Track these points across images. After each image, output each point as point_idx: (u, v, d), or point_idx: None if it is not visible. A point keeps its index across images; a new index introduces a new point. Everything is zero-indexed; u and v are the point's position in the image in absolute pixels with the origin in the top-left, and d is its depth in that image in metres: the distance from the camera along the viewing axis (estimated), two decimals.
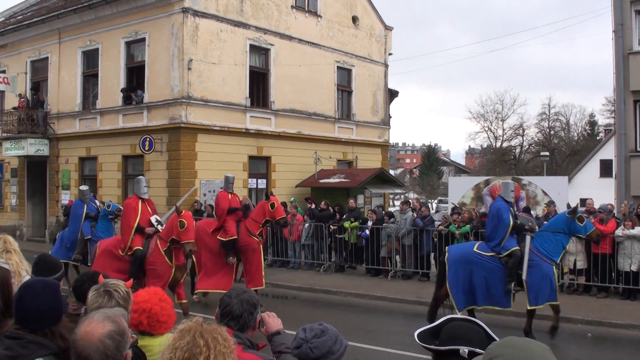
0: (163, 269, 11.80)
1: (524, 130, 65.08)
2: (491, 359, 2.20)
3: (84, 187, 17.91)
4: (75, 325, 2.87)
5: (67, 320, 3.52)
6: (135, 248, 11.88)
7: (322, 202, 20.60)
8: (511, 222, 11.58)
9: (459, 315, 2.97)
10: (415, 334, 2.93)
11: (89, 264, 16.21)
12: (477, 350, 2.67)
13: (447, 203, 28.53)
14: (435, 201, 61.76)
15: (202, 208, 22.48)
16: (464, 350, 2.69)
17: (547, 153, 48.12)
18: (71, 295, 4.53)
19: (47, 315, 3.26)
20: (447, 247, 12.84)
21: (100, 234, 16.53)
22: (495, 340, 2.78)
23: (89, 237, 16.62)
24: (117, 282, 3.80)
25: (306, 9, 27.89)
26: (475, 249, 11.88)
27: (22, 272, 5.45)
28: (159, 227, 12.14)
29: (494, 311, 13.89)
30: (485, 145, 71.24)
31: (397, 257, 18.63)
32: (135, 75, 25.29)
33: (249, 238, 13.98)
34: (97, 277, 4.29)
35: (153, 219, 12.25)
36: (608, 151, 40.48)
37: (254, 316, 3.76)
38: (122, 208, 17.78)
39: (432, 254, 18.12)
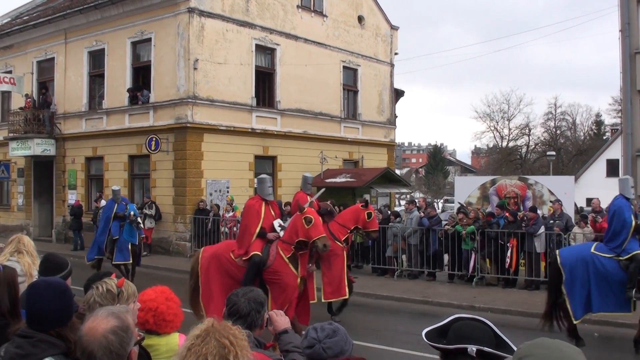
0: (289, 279, 10.33)
1: (530, 130, 65.11)
2: (521, 359, 2.19)
3: (115, 187, 17.76)
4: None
5: (79, 322, 3.53)
6: (253, 253, 10.44)
7: (328, 202, 20.54)
8: (634, 222, 10.64)
9: (466, 315, 2.96)
10: (423, 333, 2.93)
11: (114, 263, 16.68)
12: (485, 349, 2.67)
13: (453, 203, 28.49)
14: (442, 201, 61.69)
15: (208, 207, 22.54)
16: (472, 349, 2.68)
17: (553, 153, 47.98)
18: (81, 295, 4.53)
19: (52, 317, 3.26)
20: (558, 250, 12.07)
21: (125, 236, 16.65)
22: (503, 339, 2.78)
23: (116, 237, 16.73)
24: (105, 280, 3.81)
25: (312, 8, 27.89)
26: (593, 250, 10.93)
27: (33, 273, 5.48)
28: (282, 233, 10.76)
29: (500, 310, 13.91)
30: (491, 145, 71.15)
31: (404, 257, 18.62)
32: (141, 75, 25.33)
33: (332, 243, 12.18)
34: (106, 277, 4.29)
35: (276, 223, 10.93)
36: (615, 151, 40.41)
37: (261, 315, 3.77)
38: (136, 213, 17.35)
39: (446, 255, 18.12)
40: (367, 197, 24.31)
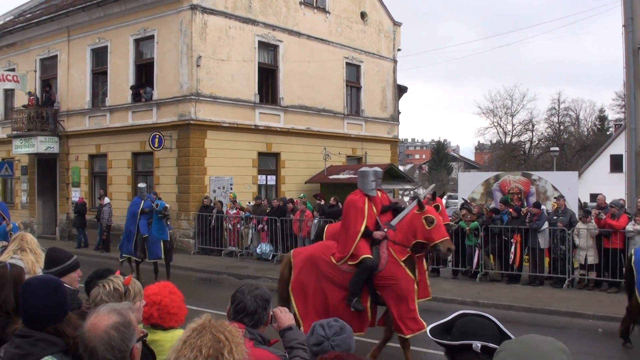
0: (405, 284, 9.11)
1: (533, 126, 64.98)
2: (497, 354, 2.21)
3: (142, 185, 17.68)
4: None
5: (76, 317, 3.54)
6: (364, 256, 9.11)
7: (332, 198, 20.55)
8: None
9: (471, 311, 2.95)
10: (428, 329, 2.93)
11: (148, 260, 16.72)
12: (490, 344, 2.67)
13: (456, 199, 28.47)
14: (445, 197, 61.65)
15: (212, 204, 22.55)
16: (477, 345, 2.68)
17: (556, 148, 47.95)
18: (83, 292, 4.54)
19: (47, 314, 3.26)
20: (633, 249, 11.45)
21: (154, 233, 16.41)
22: (507, 334, 2.78)
23: (146, 235, 16.52)
24: (111, 278, 3.82)
25: (314, 5, 27.87)
26: None
27: (37, 270, 5.49)
28: (389, 230, 9.44)
29: (504, 306, 13.90)
30: (494, 141, 71.08)
31: None
32: (145, 72, 25.33)
33: None
34: (108, 274, 4.31)
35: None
36: (618, 146, 40.38)
37: (267, 312, 3.77)
38: (169, 207, 16.99)
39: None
40: None
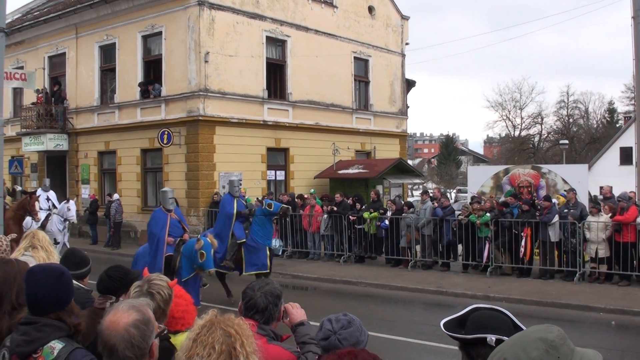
0: None
1: (542, 119, 64.71)
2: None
3: (234, 178, 15.35)
4: (100, 319, 2.88)
5: (79, 308, 3.55)
6: None
7: (337, 195, 20.50)
8: None
9: (484, 304, 2.94)
10: (441, 323, 2.91)
11: (244, 273, 14.17)
12: (504, 338, 2.65)
13: (466, 193, 28.42)
14: (454, 191, 61.54)
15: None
16: (491, 338, 2.66)
17: (566, 141, 47.73)
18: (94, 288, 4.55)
19: (49, 301, 3.27)
20: None
21: (257, 238, 13.94)
22: (522, 328, 2.76)
23: (243, 240, 13.92)
24: (161, 283, 3.81)
25: None
26: None
27: None
28: None
29: (514, 300, 13.87)
30: (503, 134, 70.94)
31: (417, 247, 18.59)
32: (153, 68, 25.37)
33: None
34: (121, 271, 4.33)
35: None
36: (628, 138, 40.17)
37: (278, 308, 3.76)
38: (287, 207, 14.50)
39: (460, 245, 18.03)
40: (379, 188, 24.28)
